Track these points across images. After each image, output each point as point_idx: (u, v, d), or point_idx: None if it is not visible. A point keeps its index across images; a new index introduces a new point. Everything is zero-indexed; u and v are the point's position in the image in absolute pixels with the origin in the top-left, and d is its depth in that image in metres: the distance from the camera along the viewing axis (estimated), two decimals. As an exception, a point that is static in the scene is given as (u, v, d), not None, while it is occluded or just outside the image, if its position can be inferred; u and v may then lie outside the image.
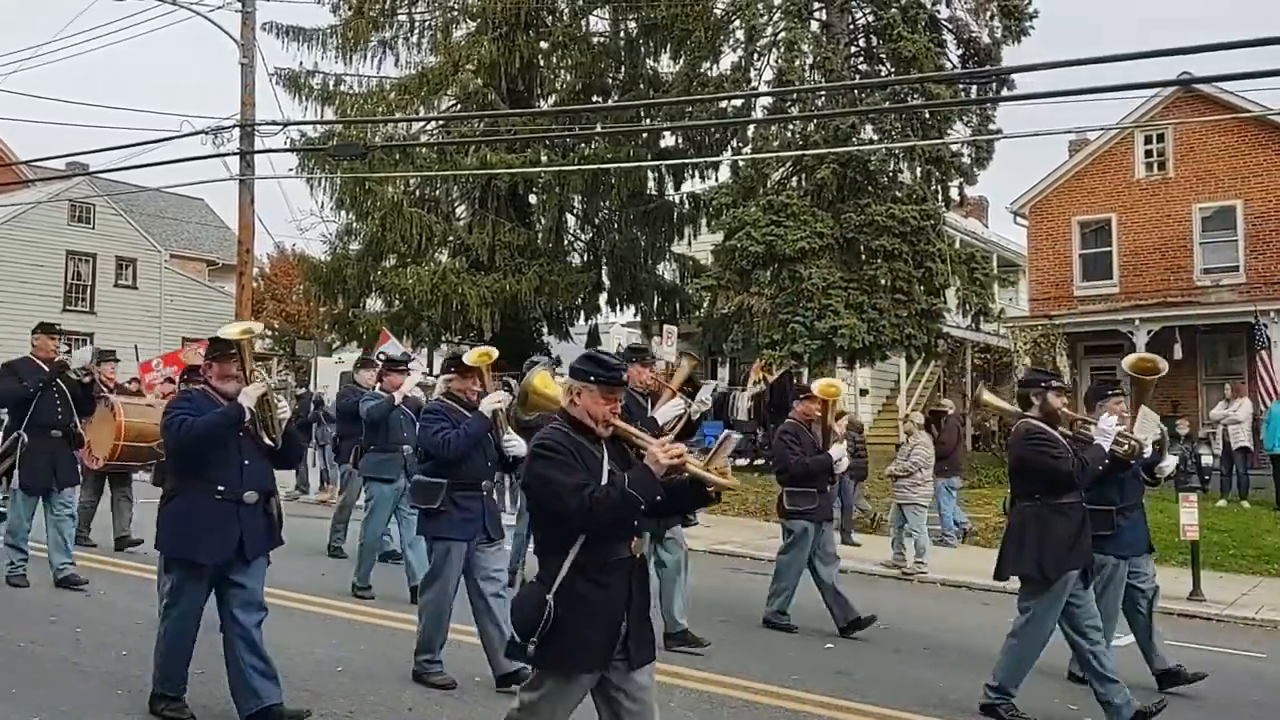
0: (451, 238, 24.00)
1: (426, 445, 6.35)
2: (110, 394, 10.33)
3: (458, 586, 6.29)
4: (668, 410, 7.28)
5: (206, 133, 18.57)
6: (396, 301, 23.48)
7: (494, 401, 6.31)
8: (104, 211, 32.86)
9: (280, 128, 19.83)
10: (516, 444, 6.36)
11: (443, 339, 25.48)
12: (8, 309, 28.84)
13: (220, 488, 5.34)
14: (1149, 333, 20.35)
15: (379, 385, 9.88)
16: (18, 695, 5.75)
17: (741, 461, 22.11)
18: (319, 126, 23.73)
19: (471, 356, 6.52)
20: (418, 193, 24.50)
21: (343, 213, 24.79)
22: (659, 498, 3.74)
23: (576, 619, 3.65)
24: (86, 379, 9.11)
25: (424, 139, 24.49)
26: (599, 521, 3.64)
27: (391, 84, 24.28)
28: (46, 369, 8.68)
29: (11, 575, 8.64)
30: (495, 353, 6.64)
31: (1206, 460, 16.99)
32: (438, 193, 24.95)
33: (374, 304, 25.30)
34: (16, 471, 8.41)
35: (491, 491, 6.63)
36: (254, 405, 5.38)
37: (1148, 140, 22.67)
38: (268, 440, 5.52)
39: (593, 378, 3.88)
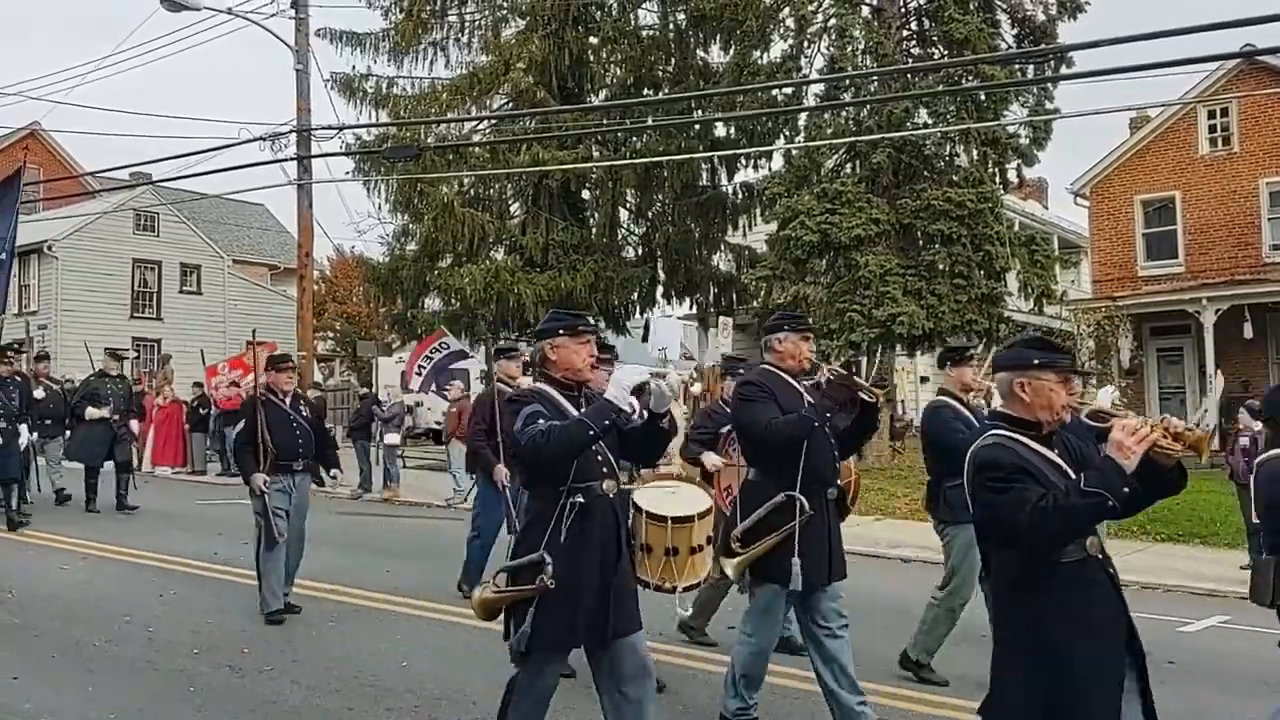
0: (505, 236, 24.12)
1: None
2: None
3: None
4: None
5: (264, 139, 18.96)
6: (454, 300, 23.66)
7: None
8: (167, 219, 33.52)
9: (336, 132, 20.14)
10: None
11: (500, 337, 25.64)
12: (78, 318, 29.55)
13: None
14: (1216, 312, 19.93)
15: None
16: (93, 693, 5.89)
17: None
18: (374, 129, 23.98)
19: None
20: (471, 192, 24.64)
21: (398, 214, 25.04)
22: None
23: None
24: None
25: (476, 139, 24.63)
26: None
27: (443, 85, 24.42)
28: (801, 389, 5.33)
29: None
30: None
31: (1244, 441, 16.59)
32: (491, 192, 25.08)
33: (432, 303, 25.52)
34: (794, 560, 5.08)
35: None
36: None
37: (1211, 115, 22.19)
38: None
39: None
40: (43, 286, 31.28)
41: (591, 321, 4.63)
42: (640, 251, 26.14)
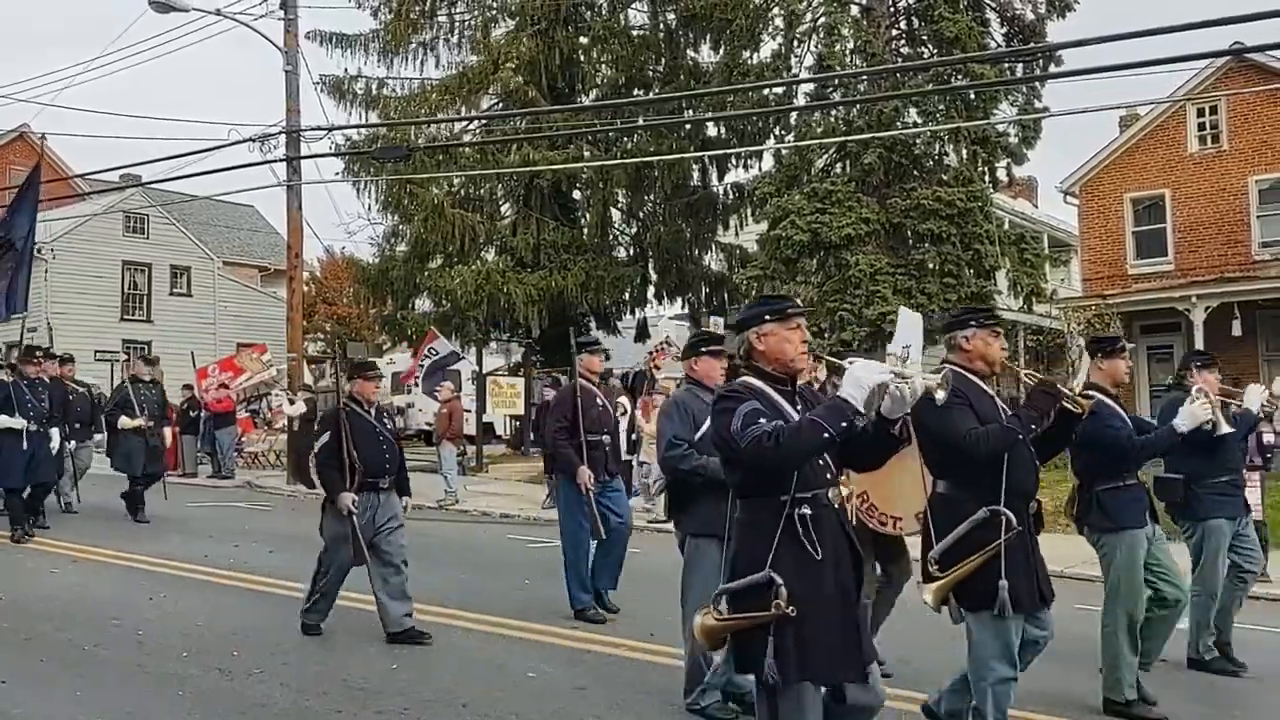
0: (496, 237, 24.11)
1: None
2: None
3: None
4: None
5: (254, 140, 18.90)
6: (444, 302, 23.65)
7: None
8: (157, 221, 33.48)
9: (325, 133, 20.09)
10: None
11: (491, 337, 25.63)
12: (68, 320, 29.45)
13: None
14: (1206, 309, 19.96)
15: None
16: (82, 697, 5.86)
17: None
18: (363, 130, 23.95)
19: None
20: (462, 193, 24.63)
21: (388, 215, 25.02)
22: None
23: None
24: None
25: (466, 139, 24.62)
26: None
27: (433, 85, 24.43)
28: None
29: None
30: None
31: (1268, 438, 16.59)
32: (481, 192, 25.07)
33: (422, 304, 25.52)
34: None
35: None
36: None
37: (1200, 113, 22.22)
38: None
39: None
40: (32, 289, 31.11)
41: (800, 304, 4.05)
42: (631, 251, 26.16)
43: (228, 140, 18.16)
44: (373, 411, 7.40)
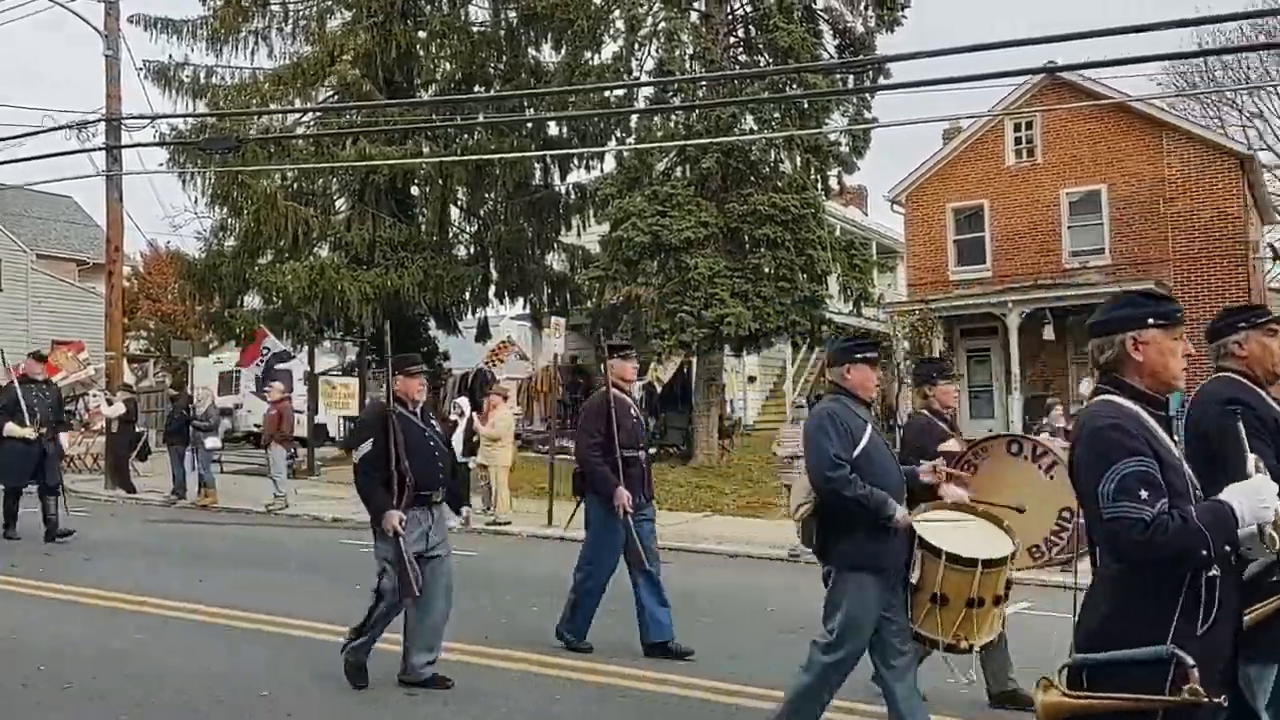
0: (331, 233, 23.49)
1: None
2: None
3: None
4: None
5: (71, 127, 17.94)
6: (275, 299, 22.89)
7: None
8: (-38, 210, 31.43)
9: (149, 121, 19.24)
10: None
11: (325, 336, 24.97)
12: None
13: None
14: (1021, 314, 21.08)
15: None
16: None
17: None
18: (190, 119, 22.98)
19: None
20: (295, 186, 23.91)
21: (216, 208, 24.07)
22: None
23: None
24: None
25: (300, 131, 23.92)
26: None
27: (265, 75, 23.64)
28: None
29: None
30: None
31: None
32: (315, 186, 24.38)
33: (252, 301, 24.64)
34: None
35: None
36: None
37: (1017, 128, 23.45)
38: None
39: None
40: None
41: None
42: (472, 250, 25.87)
43: (42, 127, 17.21)
44: (418, 413, 6.47)
